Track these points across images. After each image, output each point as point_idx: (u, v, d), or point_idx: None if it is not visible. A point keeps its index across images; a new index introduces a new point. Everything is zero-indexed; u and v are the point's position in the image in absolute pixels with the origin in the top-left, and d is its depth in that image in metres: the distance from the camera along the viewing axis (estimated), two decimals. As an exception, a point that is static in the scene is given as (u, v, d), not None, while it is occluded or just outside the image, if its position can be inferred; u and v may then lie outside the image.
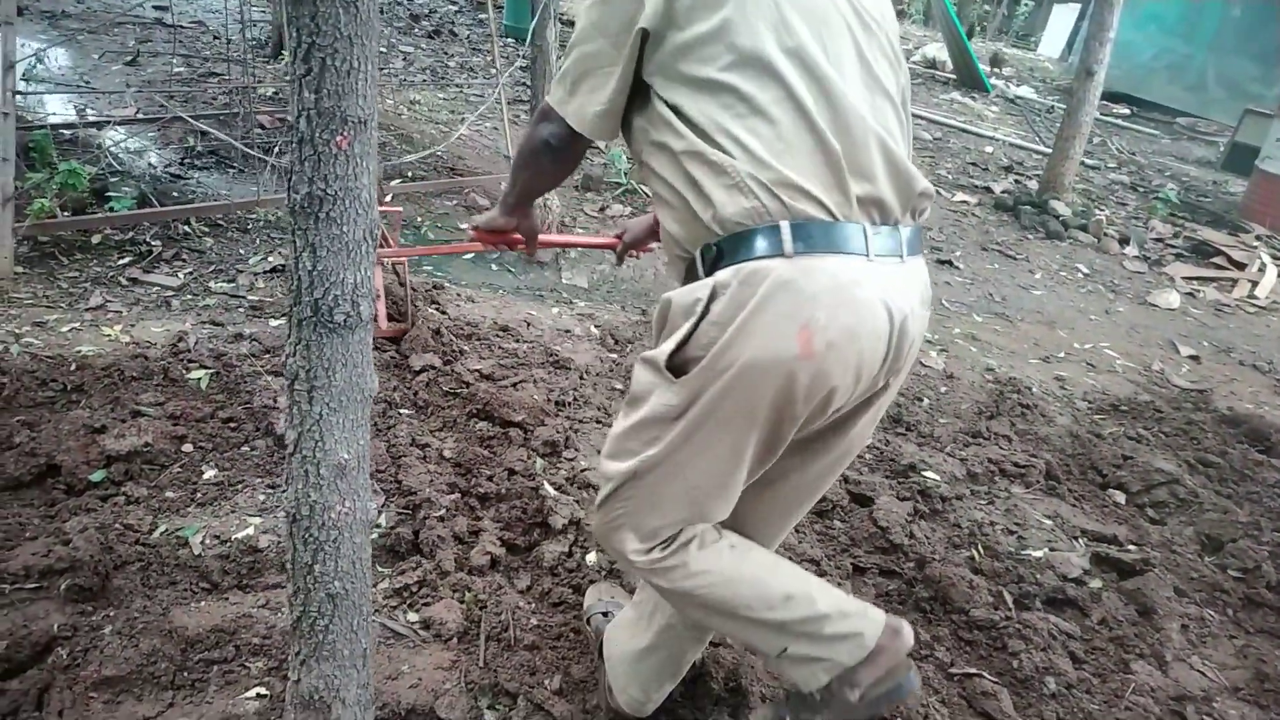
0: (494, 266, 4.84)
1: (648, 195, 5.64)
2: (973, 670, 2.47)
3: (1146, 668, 2.62)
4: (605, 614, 2.35)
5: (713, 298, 1.45)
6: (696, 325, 1.46)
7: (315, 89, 1.06)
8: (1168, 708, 2.50)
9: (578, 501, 2.84)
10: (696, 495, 1.57)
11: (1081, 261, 6.16)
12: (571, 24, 4.54)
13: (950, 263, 5.88)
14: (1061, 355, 4.72)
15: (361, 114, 1.12)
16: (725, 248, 1.46)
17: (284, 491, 1.34)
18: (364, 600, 1.44)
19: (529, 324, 3.98)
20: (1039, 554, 3.03)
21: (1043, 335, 4.94)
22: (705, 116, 1.45)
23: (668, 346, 1.49)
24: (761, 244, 1.42)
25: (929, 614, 2.70)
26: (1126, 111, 13.57)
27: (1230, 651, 2.79)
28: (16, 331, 3.30)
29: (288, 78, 1.09)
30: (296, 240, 1.17)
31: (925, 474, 3.36)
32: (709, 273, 1.48)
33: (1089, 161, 9.10)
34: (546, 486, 2.87)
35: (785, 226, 1.40)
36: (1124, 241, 6.54)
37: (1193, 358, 4.98)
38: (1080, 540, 3.17)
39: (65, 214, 3.93)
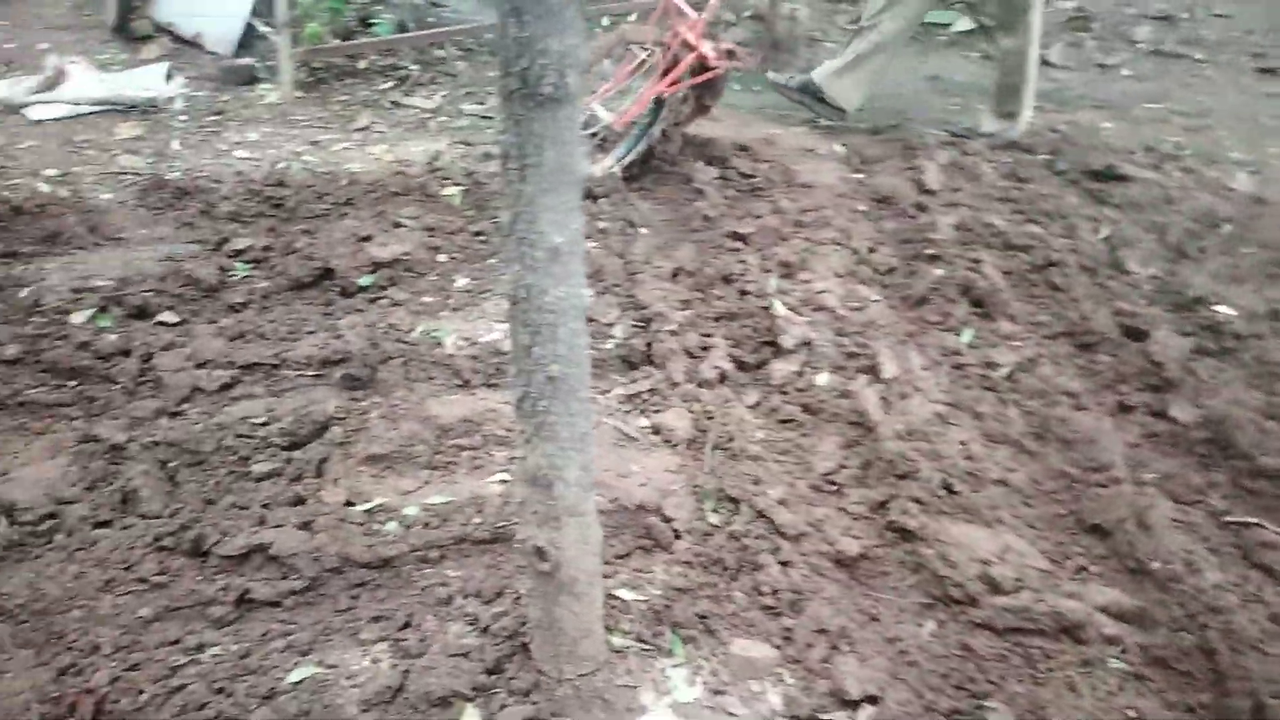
0: (735, 86, 4.64)
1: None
2: (1253, 519, 2.19)
3: None
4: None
5: None
6: None
7: None
8: None
9: (810, 324, 2.74)
10: None
11: None
12: None
13: (1275, 71, 4.94)
14: None
15: None
16: None
17: (504, 274, 1.36)
18: (581, 385, 1.46)
19: (769, 143, 3.82)
20: (1355, 403, 2.59)
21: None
22: None
23: None
24: None
25: (1204, 458, 2.41)
26: None
27: None
28: (296, 150, 3.61)
29: None
30: (503, 4, 1.13)
31: (1217, 308, 2.93)
32: None
33: None
34: (778, 306, 2.79)
35: None
36: None
37: None
38: None
39: (334, 40, 4.17)
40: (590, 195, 3.38)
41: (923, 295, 2.96)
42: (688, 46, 3.22)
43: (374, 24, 4.31)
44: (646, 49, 3.28)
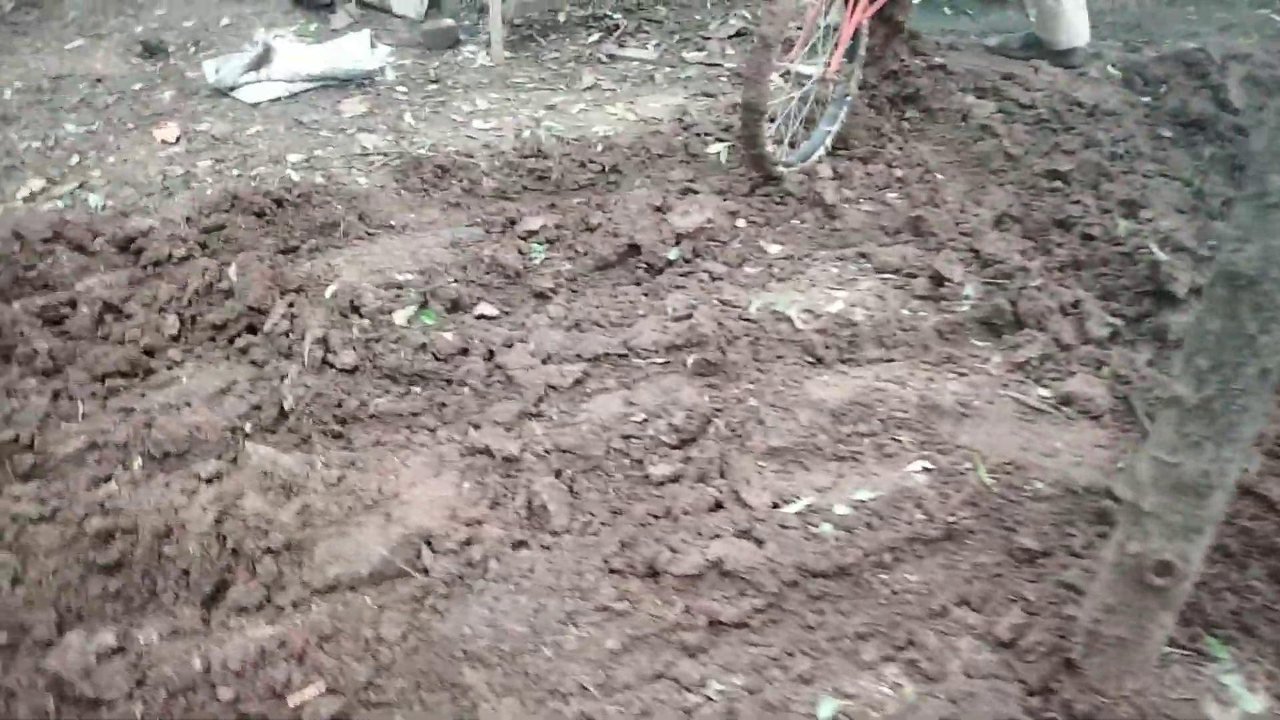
0: (947, 10, 4.30)
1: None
2: None
3: None
4: None
5: None
6: None
7: None
8: None
9: (1193, 269, 2.47)
10: None
11: None
12: None
13: None
14: None
15: None
16: None
17: (1234, 250, 1.12)
18: (1277, 377, 1.22)
19: (1034, 68, 3.49)
20: None
21: None
22: None
23: None
24: None
25: None
26: None
27: None
28: (535, 116, 3.35)
29: None
30: None
31: None
32: None
33: None
34: (1157, 250, 2.51)
35: None
36: None
37: None
38: None
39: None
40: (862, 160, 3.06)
41: None
42: None
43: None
44: None
